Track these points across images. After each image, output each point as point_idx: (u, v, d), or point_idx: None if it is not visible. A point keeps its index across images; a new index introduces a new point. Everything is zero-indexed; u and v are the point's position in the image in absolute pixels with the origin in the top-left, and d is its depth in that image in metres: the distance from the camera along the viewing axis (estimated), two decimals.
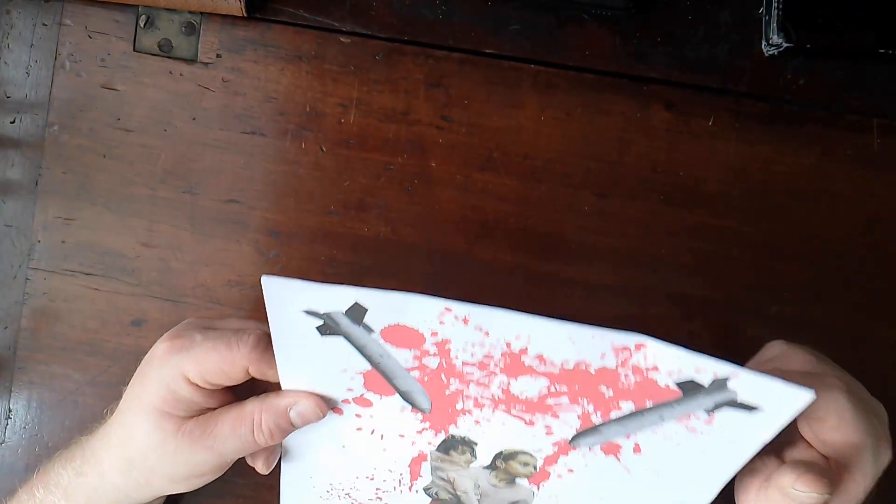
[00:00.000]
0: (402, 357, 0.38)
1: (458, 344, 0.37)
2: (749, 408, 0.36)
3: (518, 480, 0.43)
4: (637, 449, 0.40)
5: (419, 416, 0.41)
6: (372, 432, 0.43)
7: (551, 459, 0.42)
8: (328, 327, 0.38)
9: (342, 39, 0.51)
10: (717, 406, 0.36)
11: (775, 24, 0.50)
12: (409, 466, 0.44)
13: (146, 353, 0.46)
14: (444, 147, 0.51)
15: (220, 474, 0.42)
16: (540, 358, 0.37)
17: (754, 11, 0.52)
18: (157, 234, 0.51)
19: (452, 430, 0.42)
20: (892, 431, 0.41)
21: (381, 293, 0.35)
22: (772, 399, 0.35)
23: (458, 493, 0.44)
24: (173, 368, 0.39)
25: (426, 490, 0.45)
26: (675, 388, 0.36)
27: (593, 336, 0.35)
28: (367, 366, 0.39)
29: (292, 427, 0.40)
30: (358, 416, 0.42)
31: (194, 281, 0.51)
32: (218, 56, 0.50)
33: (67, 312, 0.50)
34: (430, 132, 0.51)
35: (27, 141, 0.50)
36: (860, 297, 0.53)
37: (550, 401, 0.39)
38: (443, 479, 0.44)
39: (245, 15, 0.49)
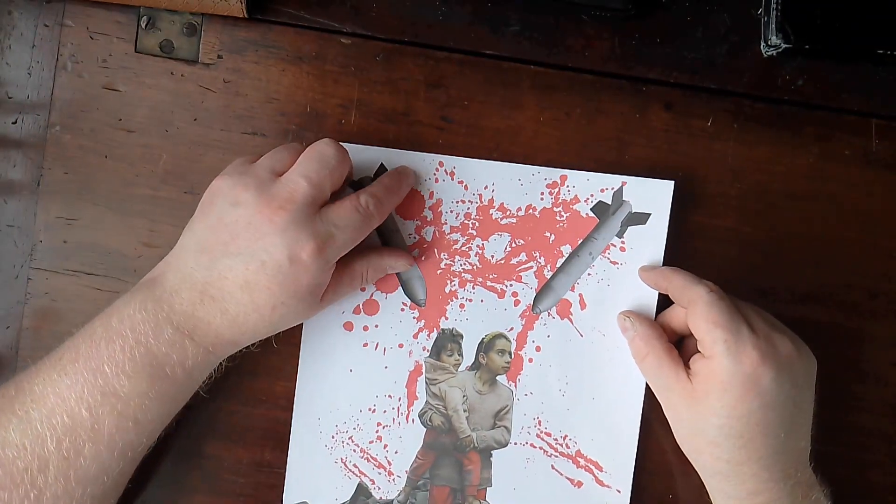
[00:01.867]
0: (406, 231, 0.51)
1: (447, 205, 0.51)
2: (643, 217, 0.51)
3: (499, 379, 0.52)
4: (582, 303, 0.51)
5: (415, 314, 0.51)
6: (376, 346, 0.51)
7: (521, 338, 0.51)
8: None
9: (343, 40, 0.51)
10: (623, 225, 0.51)
11: (774, 25, 0.50)
12: (407, 386, 0.51)
13: None
14: (444, 148, 0.51)
15: None
16: (502, 208, 0.51)
17: (753, 12, 0.52)
18: (159, 235, 0.51)
19: (443, 324, 0.51)
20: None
21: (399, 151, 0.50)
22: (652, 197, 0.51)
23: (450, 411, 0.51)
24: (324, 267, 0.45)
25: (421, 417, 0.51)
26: (591, 215, 0.51)
27: (532, 174, 0.51)
28: None
29: (386, 272, 0.50)
30: (365, 328, 0.51)
31: None
32: (219, 57, 0.51)
33: (69, 312, 0.50)
34: (430, 133, 0.51)
35: (29, 141, 0.51)
36: (859, 297, 0.53)
37: (514, 260, 0.51)
38: (435, 395, 0.51)
39: (246, 16, 0.49)
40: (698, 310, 0.45)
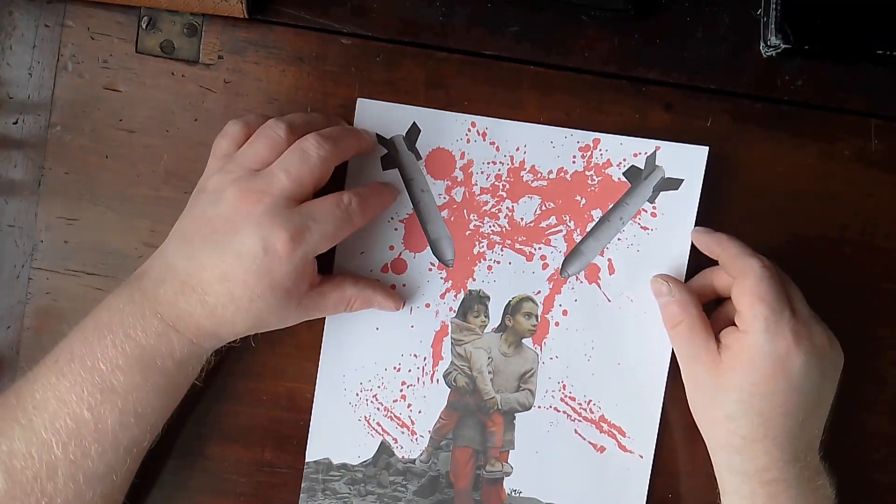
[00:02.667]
0: (437, 191, 0.51)
1: (478, 166, 0.51)
2: (675, 182, 0.51)
3: (524, 342, 0.51)
4: (611, 268, 0.51)
5: (443, 274, 0.51)
6: (403, 305, 0.51)
7: (548, 302, 0.51)
8: (389, 158, 0.50)
9: (343, 41, 0.51)
10: (655, 191, 0.51)
11: (773, 26, 0.50)
12: (432, 346, 0.51)
13: None
14: None
15: None
16: (533, 171, 0.51)
17: (752, 13, 0.52)
18: (160, 234, 0.51)
19: (470, 285, 0.51)
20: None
21: (431, 110, 0.50)
22: (685, 163, 0.51)
23: (474, 372, 0.51)
24: (301, 261, 0.44)
25: (446, 377, 0.51)
26: (623, 179, 0.51)
27: (565, 136, 0.51)
28: (409, 209, 0.51)
29: (373, 308, 0.50)
30: (392, 287, 0.51)
31: None
32: (220, 57, 0.51)
33: (70, 312, 0.50)
34: None
35: (30, 141, 0.51)
36: (859, 297, 0.53)
37: (543, 223, 0.51)
38: (461, 355, 0.51)
39: (246, 16, 0.49)
40: (747, 282, 0.46)
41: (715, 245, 0.49)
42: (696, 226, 0.51)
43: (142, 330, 0.44)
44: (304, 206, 0.45)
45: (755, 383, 0.45)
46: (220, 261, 0.43)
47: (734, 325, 0.47)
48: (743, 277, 0.46)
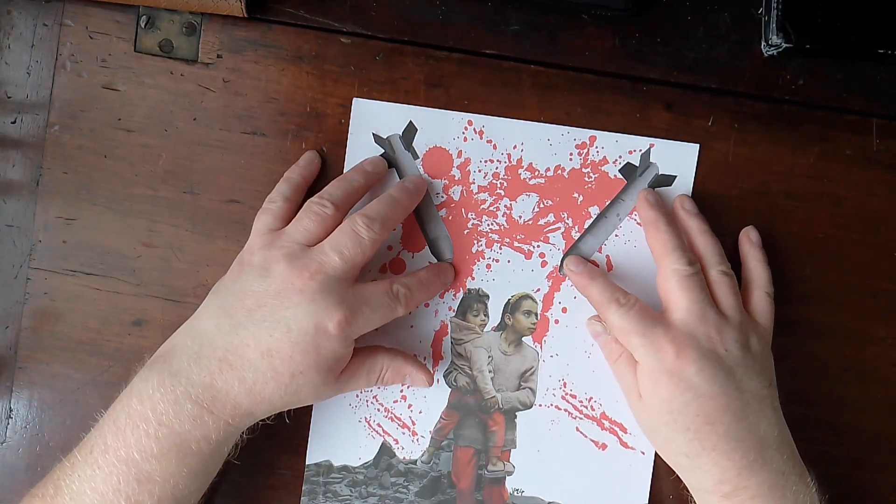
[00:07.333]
0: (434, 190, 0.51)
1: (475, 164, 0.51)
2: (669, 179, 0.51)
3: (524, 340, 0.51)
4: (609, 265, 0.51)
5: None
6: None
7: (548, 299, 0.51)
8: (386, 157, 0.51)
9: (342, 40, 0.51)
10: (649, 187, 0.51)
11: (774, 25, 0.50)
12: (432, 346, 0.51)
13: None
14: None
15: None
16: (531, 168, 0.51)
17: (753, 12, 0.52)
18: (158, 234, 0.51)
19: (469, 284, 0.51)
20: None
21: (428, 109, 0.51)
22: (677, 160, 0.51)
23: (475, 371, 0.51)
24: (346, 340, 0.45)
25: (446, 377, 0.52)
26: (619, 176, 0.51)
27: (562, 134, 0.51)
28: None
29: (404, 382, 0.50)
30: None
31: (195, 281, 0.51)
32: (219, 56, 0.51)
33: (68, 312, 0.50)
34: None
35: (28, 141, 0.50)
36: (860, 297, 0.53)
37: (541, 220, 0.51)
38: (461, 355, 0.51)
39: (245, 15, 0.49)
40: (614, 327, 0.48)
41: (582, 286, 0.50)
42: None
43: (175, 416, 0.43)
44: (358, 289, 0.45)
45: (667, 401, 0.46)
46: (268, 335, 0.43)
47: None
48: (608, 324, 0.49)
